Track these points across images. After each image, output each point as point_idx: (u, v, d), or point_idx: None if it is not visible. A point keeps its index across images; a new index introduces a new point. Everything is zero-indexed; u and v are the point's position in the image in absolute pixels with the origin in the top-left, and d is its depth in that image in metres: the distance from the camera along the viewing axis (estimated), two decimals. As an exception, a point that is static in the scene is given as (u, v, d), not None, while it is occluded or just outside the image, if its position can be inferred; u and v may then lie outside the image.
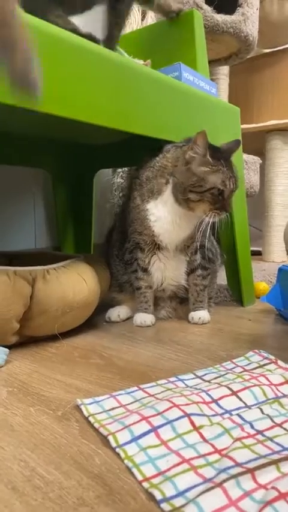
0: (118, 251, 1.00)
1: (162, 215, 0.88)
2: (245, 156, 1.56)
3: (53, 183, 1.33)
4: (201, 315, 0.94)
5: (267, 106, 1.96)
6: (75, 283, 0.78)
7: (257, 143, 1.86)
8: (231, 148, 0.90)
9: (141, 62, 0.98)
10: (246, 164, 1.58)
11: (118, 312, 0.96)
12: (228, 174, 0.83)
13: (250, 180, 1.60)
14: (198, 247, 0.93)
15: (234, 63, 1.63)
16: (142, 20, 1.38)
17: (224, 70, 1.77)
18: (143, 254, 0.93)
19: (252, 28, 1.45)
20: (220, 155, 0.84)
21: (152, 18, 1.35)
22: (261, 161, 1.73)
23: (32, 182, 1.35)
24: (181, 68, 0.95)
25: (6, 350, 0.68)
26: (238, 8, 1.40)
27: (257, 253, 1.94)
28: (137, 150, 0.98)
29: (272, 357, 0.68)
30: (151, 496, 0.36)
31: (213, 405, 0.51)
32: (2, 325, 0.69)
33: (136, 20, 1.39)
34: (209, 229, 0.96)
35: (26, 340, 0.77)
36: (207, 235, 0.96)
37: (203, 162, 0.82)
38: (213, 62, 1.60)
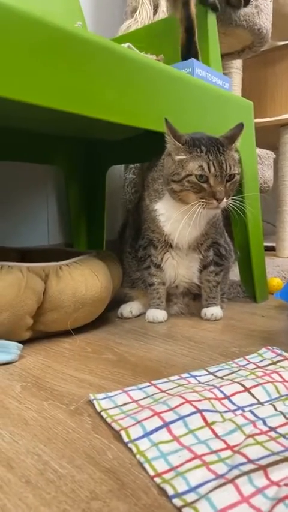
0: (131, 248, 1.00)
1: (171, 215, 0.86)
2: (259, 150, 1.54)
3: (65, 179, 1.33)
4: (213, 311, 0.94)
5: (281, 99, 1.93)
6: (87, 279, 0.78)
7: (270, 137, 1.84)
8: (232, 134, 0.84)
9: (154, 57, 0.97)
10: (260, 159, 1.56)
11: (130, 308, 0.97)
12: (208, 158, 0.78)
13: (264, 175, 1.58)
14: (211, 244, 0.93)
15: (247, 56, 1.61)
16: (154, 14, 1.37)
17: (237, 64, 1.74)
18: (156, 251, 0.93)
19: (265, 21, 1.42)
20: (202, 142, 0.80)
21: (163, 12, 1.34)
22: (275, 156, 1.70)
23: (45, 179, 1.36)
24: (194, 64, 0.94)
25: (20, 345, 0.69)
26: (251, 1, 1.38)
27: (270, 249, 1.92)
28: (150, 146, 0.98)
29: (286, 354, 0.67)
30: (163, 491, 0.37)
31: (225, 401, 0.51)
32: (16, 320, 0.69)
33: (148, 15, 1.38)
34: (221, 225, 0.96)
35: (39, 335, 0.78)
36: (221, 231, 0.96)
37: (178, 151, 0.81)
38: (226, 56, 1.58)
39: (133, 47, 0.88)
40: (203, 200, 0.80)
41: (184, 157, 0.80)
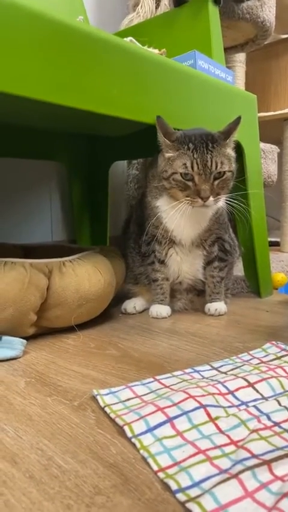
0: (134, 243, 1.00)
1: (171, 212, 0.84)
2: (262, 145, 1.53)
3: (68, 176, 1.33)
4: (217, 306, 0.94)
5: (285, 93, 1.91)
6: (91, 275, 0.78)
7: (274, 131, 1.82)
8: (228, 128, 0.82)
9: (157, 51, 0.96)
10: (264, 153, 1.54)
11: (134, 304, 0.96)
12: (193, 156, 0.77)
13: (268, 169, 1.57)
14: (216, 239, 0.92)
15: (250, 49, 1.59)
16: (156, 8, 1.36)
17: (240, 57, 1.73)
18: (160, 246, 0.92)
19: (269, 13, 1.41)
20: (191, 139, 0.79)
21: (165, 6, 1.33)
22: (279, 150, 1.69)
23: (48, 176, 1.36)
24: (196, 55, 0.93)
25: (24, 341, 0.69)
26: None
27: (274, 244, 1.91)
28: (153, 141, 0.97)
29: (290, 349, 0.67)
30: (166, 486, 0.36)
31: (229, 396, 0.51)
32: (20, 316, 0.70)
33: (150, 9, 1.37)
34: (225, 220, 0.95)
35: (43, 331, 0.78)
36: (225, 226, 0.95)
37: (167, 148, 0.81)
38: (229, 49, 1.57)
39: (135, 41, 0.87)
40: (188, 198, 0.79)
41: (172, 154, 0.81)
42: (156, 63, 0.78)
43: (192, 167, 0.78)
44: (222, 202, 0.84)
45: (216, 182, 0.80)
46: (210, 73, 0.98)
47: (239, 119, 0.82)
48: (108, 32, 0.70)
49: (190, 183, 0.79)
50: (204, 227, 0.89)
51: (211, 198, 0.79)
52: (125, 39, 0.79)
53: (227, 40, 1.42)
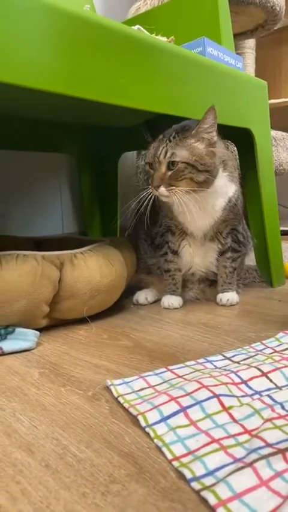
0: (146, 234, 1.00)
1: (182, 203, 0.81)
2: (274, 132, 1.51)
3: (77, 168, 1.33)
4: (229, 296, 0.93)
5: (297, 79, 1.88)
6: (102, 266, 0.78)
7: (285, 119, 1.80)
8: (203, 117, 0.79)
9: (165, 39, 0.95)
10: (275, 141, 1.52)
11: (146, 295, 0.97)
12: (154, 146, 0.81)
13: (279, 157, 1.55)
14: (230, 230, 0.91)
15: (260, 35, 1.57)
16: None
17: (250, 43, 1.70)
18: (174, 237, 0.92)
19: (279, -3, 1.38)
20: (165, 131, 0.82)
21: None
22: (290, 137, 1.66)
23: (58, 168, 1.36)
24: (205, 42, 0.92)
25: (37, 333, 0.70)
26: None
27: (286, 233, 1.89)
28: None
29: (303, 338, 0.67)
30: (181, 475, 0.37)
31: (242, 386, 0.51)
32: (32, 308, 0.70)
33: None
34: (240, 211, 0.94)
35: (55, 323, 0.78)
36: (239, 217, 0.94)
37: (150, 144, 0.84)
38: (239, 35, 1.54)
39: (143, 29, 0.86)
40: (150, 186, 0.81)
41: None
42: (164, 51, 0.77)
43: (148, 156, 0.81)
44: (181, 194, 0.79)
45: (169, 173, 0.78)
46: (220, 60, 0.96)
47: (211, 108, 0.78)
48: (115, 21, 0.69)
49: (151, 172, 0.81)
50: (217, 218, 0.88)
51: (162, 188, 0.78)
52: (132, 27, 0.78)
53: (236, 26, 1.39)
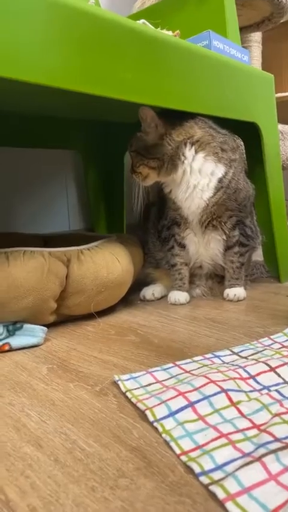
0: (154, 228, 1.01)
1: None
2: (281, 126, 1.49)
3: (83, 164, 1.33)
4: (236, 291, 0.93)
5: (304, 72, 1.86)
6: (108, 262, 0.78)
7: (293, 113, 1.78)
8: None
9: (170, 33, 0.94)
10: (282, 135, 1.51)
11: (153, 291, 0.97)
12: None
13: (286, 151, 1.53)
14: (236, 222, 0.91)
15: (267, 28, 1.55)
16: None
17: (256, 37, 1.68)
18: (179, 229, 0.92)
19: (285, -11, 1.36)
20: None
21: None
22: (297, 131, 1.65)
23: (64, 165, 1.36)
24: (211, 36, 0.91)
25: (45, 329, 0.70)
26: None
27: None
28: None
29: (312, 333, 0.66)
30: (189, 469, 0.37)
31: (250, 381, 0.51)
32: (40, 304, 0.70)
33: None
34: (247, 204, 0.94)
35: (63, 319, 0.79)
36: (247, 210, 0.93)
37: None
38: (245, 29, 1.52)
39: (148, 23, 0.85)
40: None
41: None
42: (169, 45, 0.77)
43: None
44: (142, 177, 0.88)
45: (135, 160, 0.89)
46: (226, 53, 0.95)
47: (142, 108, 0.82)
48: (120, 15, 0.69)
49: None
50: (206, 199, 0.86)
51: (133, 174, 0.90)
52: (137, 21, 0.77)
53: (242, 19, 1.38)
